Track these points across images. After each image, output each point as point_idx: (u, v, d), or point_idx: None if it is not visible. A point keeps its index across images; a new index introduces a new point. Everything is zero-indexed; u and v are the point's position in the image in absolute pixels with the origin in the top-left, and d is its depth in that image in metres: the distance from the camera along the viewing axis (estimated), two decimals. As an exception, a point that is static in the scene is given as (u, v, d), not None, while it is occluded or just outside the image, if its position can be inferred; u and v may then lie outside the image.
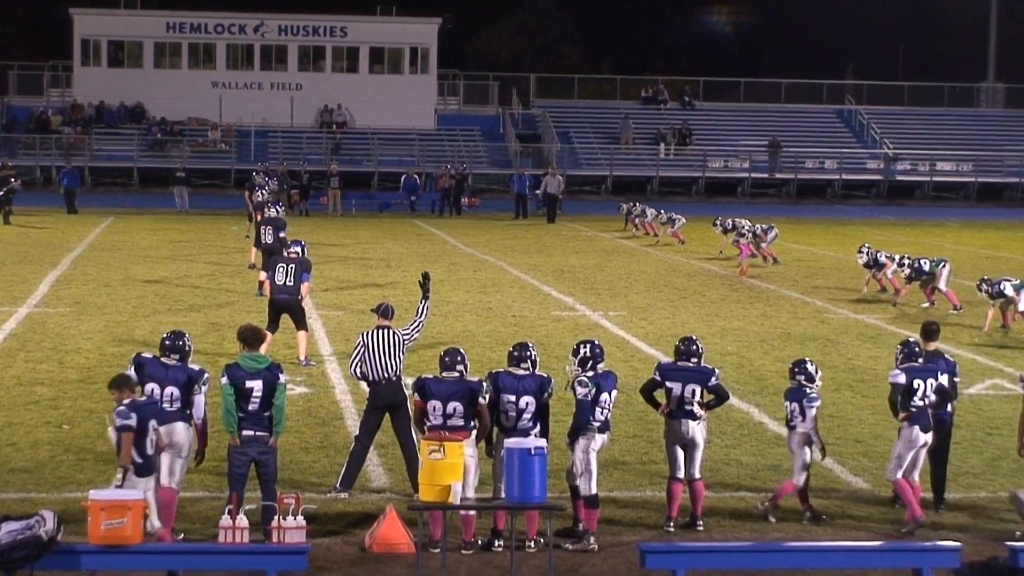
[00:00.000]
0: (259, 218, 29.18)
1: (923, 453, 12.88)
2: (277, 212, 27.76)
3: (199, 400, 11.90)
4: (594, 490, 12.09)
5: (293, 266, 19.92)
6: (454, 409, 11.89)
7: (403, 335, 13.71)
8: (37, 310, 24.48)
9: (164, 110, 64.07)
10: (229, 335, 20.60)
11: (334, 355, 20.57)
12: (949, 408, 13.41)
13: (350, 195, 53.26)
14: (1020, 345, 23.06)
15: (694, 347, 12.84)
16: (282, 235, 26.00)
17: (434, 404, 11.91)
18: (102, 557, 10.16)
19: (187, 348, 12.11)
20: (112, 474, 13.71)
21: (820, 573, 11.03)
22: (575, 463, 12.15)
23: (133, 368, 11.99)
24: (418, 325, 13.97)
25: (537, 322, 24.27)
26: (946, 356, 13.76)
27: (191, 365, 12.08)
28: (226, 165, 61.53)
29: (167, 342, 12.14)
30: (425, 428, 11.91)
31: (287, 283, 19.84)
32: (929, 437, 12.82)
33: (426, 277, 14.49)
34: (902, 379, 12.80)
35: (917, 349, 13.09)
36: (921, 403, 12.78)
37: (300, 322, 20.03)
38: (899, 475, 12.74)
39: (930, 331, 13.79)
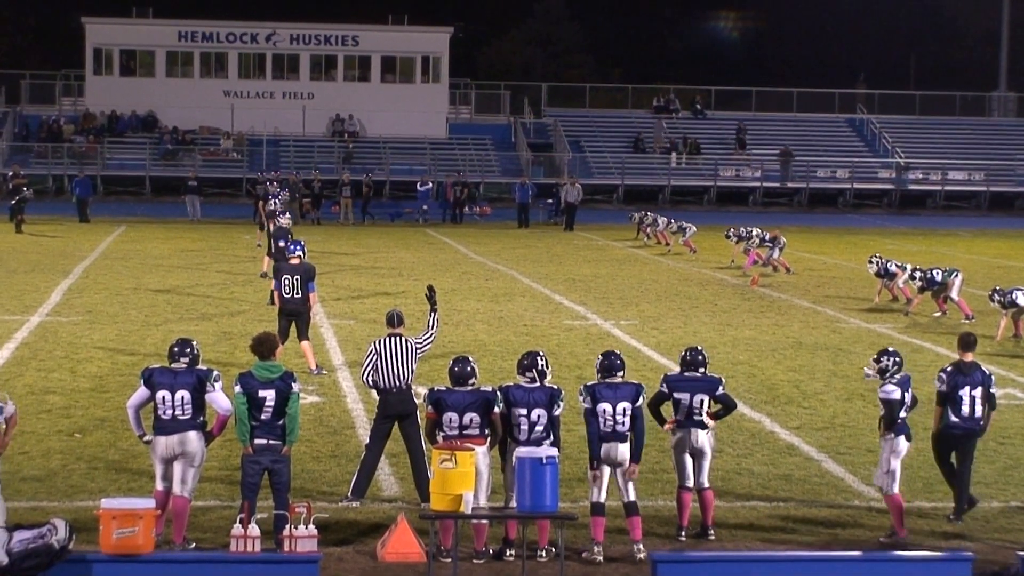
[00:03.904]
0: (271, 227, 29.21)
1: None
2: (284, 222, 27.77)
3: (218, 396, 11.90)
4: (594, 498, 12.00)
5: (298, 277, 19.95)
6: (470, 420, 11.89)
7: (416, 343, 13.71)
8: (49, 319, 24.52)
9: (176, 119, 64.25)
10: (241, 344, 20.64)
11: (345, 364, 20.58)
12: (983, 421, 13.33)
13: (370, 204, 53.22)
14: (1032, 355, 23.05)
15: (700, 357, 12.80)
16: (282, 244, 26.03)
17: (450, 416, 11.90)
18: (114, 566, 10.19)
19: (195, 353, 12.12)
20: (124, 483, 13.75)
21: (832, 583, 11.00)
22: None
23: (143, 381, 12.01)
24: (430, 337, 13.95)
25: (549, 331, 24.27)
26: (983, 368, 13.62)
27: (200, 367, 12.10)
28: (238, 174, 61.65)
29: (175, 348, 12.14)
30: (439, 438, 11.91)
31: (295, 295, 19.88)
32: (910, 446, 12.61)
33: (432, 290, 14.48)
34: (897, 395, 12.53)
35: (899, 359, 12.74)
36: (904, 415, 12.63)
37: (302, 331, 20.01)
38: (895, 489, 12.44)
39: (968, 342, 13.49)
